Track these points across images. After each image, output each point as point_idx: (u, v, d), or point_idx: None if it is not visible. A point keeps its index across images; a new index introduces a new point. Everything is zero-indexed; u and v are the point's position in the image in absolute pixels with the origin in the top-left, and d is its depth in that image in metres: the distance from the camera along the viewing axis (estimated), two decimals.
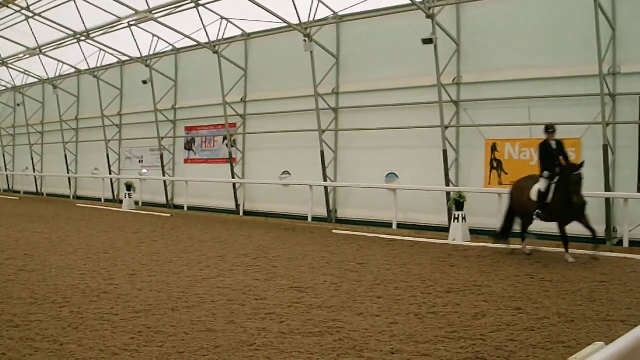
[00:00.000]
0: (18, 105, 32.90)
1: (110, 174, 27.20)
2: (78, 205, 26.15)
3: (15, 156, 35.70)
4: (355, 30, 17.92)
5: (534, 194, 10.85)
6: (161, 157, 24.14)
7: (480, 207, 14.50)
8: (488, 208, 14.34)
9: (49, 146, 32.36)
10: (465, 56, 15.60)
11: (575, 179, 10.18)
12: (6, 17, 22.90)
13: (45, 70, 28.36)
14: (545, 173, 10.71)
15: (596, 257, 10.55)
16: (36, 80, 30.70)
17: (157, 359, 5.13)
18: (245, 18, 19.15)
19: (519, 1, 14.77)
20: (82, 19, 20.73)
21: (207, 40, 20.36)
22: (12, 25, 23.63)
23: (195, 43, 21.20)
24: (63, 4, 20.48)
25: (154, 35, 22.00)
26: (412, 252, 12.01)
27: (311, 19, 17.36)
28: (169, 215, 21.35)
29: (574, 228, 10.76)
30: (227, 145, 21.62)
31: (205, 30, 19.73)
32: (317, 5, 17.14)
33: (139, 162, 26.27)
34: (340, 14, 17.87)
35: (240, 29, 20.54)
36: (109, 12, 20.48)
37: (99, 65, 26.00)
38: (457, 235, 13.81)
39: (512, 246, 11.66)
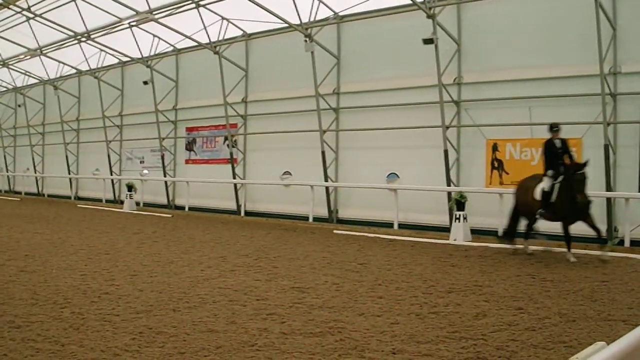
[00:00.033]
0: (19, 106, 32.91)
1: (111, 174, 27.22)
2: (79, 206, 26.17)
3: (16, 157, 35.73)
4: (356, 30, 17.92)
5: (538, 193, 10.79)
6: (162, 158, 24.15)
7: (481, 207, 14.49)
8: (489, 208, 14.34)
9: (49, 147, 32.39)
10: (466, 56, 15.60)
11: (579, 178, 10.11)
12: (7, 18, 22.93)
13: (46, 71, 28.40)
14: (550, 172, 10.66)
15: (604, 259, 10.25)
16: (37, 81, 30.73)
17: None
18: (245, 18, 19.16)
19: (520, 1, 14.76)
20: (82, 19, 20.75)
21: (207, 41, 20.37)
22: (13, 26, 23.66)
23: (195, 43, 21.21)
24: (64, 5, 20.49)
25: (154, 36, 22.02)
26: (413, 252, 12.00)
27: (312, 19, 17.37)
28: (170, 215, 21.36)
29: (578, 228, 10.70)
30: (228, 145, 21.62)
31: (206, 30, 19.75)
32: (318, 6, 17.15)
33: (140, 162, 26.29)
34: (340, 14, 17.87)
35: (241, 29, 20.56)
36: (110, 13, 20.49)
37: (99, 66, 26.04)
38: (458, 235, 13.80)
39: (517, 246, 11.61)
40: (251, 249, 12.23)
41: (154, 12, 19.69)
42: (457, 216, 13.97)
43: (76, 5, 19.98)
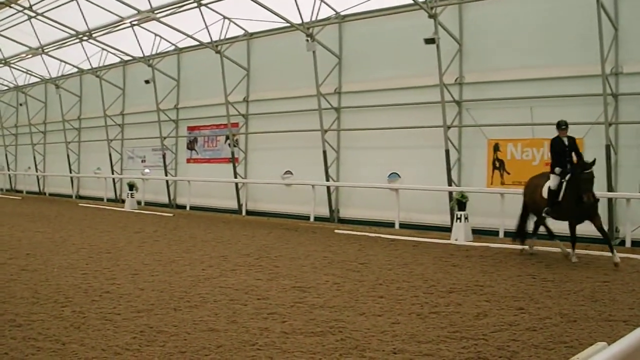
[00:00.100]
0: (20, 104, 32.94)
1: (113, 173, 27.22)
2: (80, 204, 26.19)
3: (17, 156, 35.76)
4: (358, 30, 17.91)
5: (545, 192, 10.70)
6: (163, 157, 24.15)
7: (482, 207, 14.48)
8: (490, 208, 14.33)
9: (51, 146, 32.41)
10: (468, 56, 15.58)
11: (586, 177, 9.97)
12: (9, 17, 22.92)
13: (48, 70, 28.39)
14: (557, 169, 10.55)
15: (615, 261, 9.86)
16: (39, 79, 30.74)
17: (159, 359, 5.14)
18: (247, 18, 19.16)
19: (521, 1, 14.74)
20: (84, 18, 20.75)
21: (209, 40, 20.36)
22: (14, 25, 23.66)
23: (197, 43, 21.20)
24: (65, 3, 20.48)
25: (156, 35, 22.02)
26: (414, 252, 12.00)
27: (313, 19, 17.35)
28: (171, 214, 21.37)
29: (579, 228, 10.65)
30: (229, 145, 21.62)
31: (208, 30, 19.75)
32: (320, 5, 17.13)
33: (142, 161, 26.29)
34: (342, 13, 17.86)
35: (243, 28, 20.55)
36: (112, 12, 20.49)
37: (101, 64, 26.04)
38: (460, 235, 13.80)
39: (524, 247, 11.55)
40: (252, 249, 12.24)
41: (155, 11, 19.68)
42: (459, 216, 13.97)
43: (78, 4, 19.98)
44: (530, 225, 11.52)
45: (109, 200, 27.01)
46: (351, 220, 17.60)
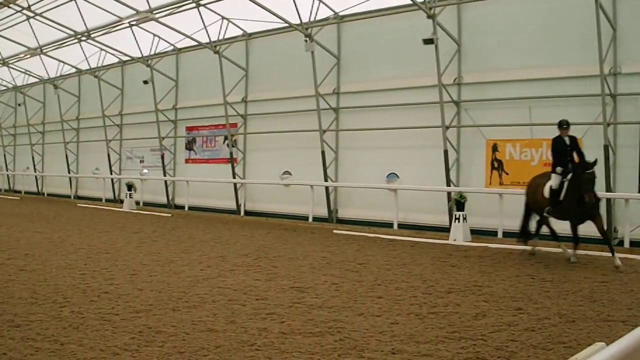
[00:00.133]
0: (19, 105, 32.90)
1: (111, 173, 27.21)
2: (79, 205, 26.16)
3: (16, 156, 35.70)
4: (356, 30, 17.92)
5: (546, 191, 10.66)
6: (162, 157, 24.14)
7: (481, 208, 14.49)
8: (489, 208, 14.35)
9: (49, 146, 32.38)
10: (466, 56, 15.59)
11: (587, 177, 9.93)
12: (7, 17, 22.91)
13: (46, 70, 28.38)
14: (558, 169, 10.50)
15: (617, 264, 9.79)
16: (37, 80, 30.71)
17: (158, 359, 5.14)
18: (246, 18, 19.15)
19: (520, 1, 14.76)
20: (83, 19, 20.73)
21: (208, 40, 20.36)
22: (13, 25, 23.64)
23: (196, 43, 21.20)
24: (64, 4, 20.47)
25: (154, 35, 22.01)
26: (412, 252, 12.00)
27: (312, 19, 17.36)
28: (169, 215, 21.36)
29: (583, 229, 10.64)
30: (227, 145, 21.62)
31: (206, 30, 19.74)
32: (318, 5, 17.14)
33: (140, 162, 26.28)
34: (341, 14, 17.86)
35: (241, 29, 20.55)
36: (110, 12, 20.48)
37: (99, 65, 26.02)
38: (458, 235, 13.80)
39: (526, 247, 11.53)
40: (251, 249, 12.23)
41: (154, 12, 19.68)
42: (457, 216, 13.97)
43: (76, 4, 19.96)
44: (532, 225, 11.49)
45: (107, 200, 27.00)
46: (350, 221, 17.61)
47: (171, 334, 5.83)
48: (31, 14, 21.77)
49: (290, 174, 19.62)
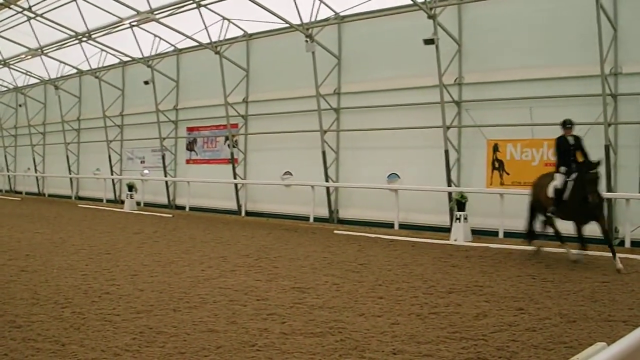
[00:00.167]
0: (20, 105, 32.91)
1: (112, 174, 27.21)
2: (80, 205, 26.18)
3: (17, 157, 35.72)
4: (357, 30, 17.92)
5: (551, 191, 10.60)
6: (163, 158, 24.15)
7: (481, 208, 14.49)
8: (490, 208, 14.34)
9: (50, 147, 32.40)
10: (467, 56, 15.59)
11: (591, 177, 9.84)
12: (8, 17, 22.93)
13: (47, 71, 28.39)
14: (562, 168, 10.44)
15: (618, 267, 9.65)
16: (38, 80, 30.74)
17: (159, 359, 5.14)
18: (246, 18, 19.15)
19: (521, 1, 14.75)
20: (83, 19, 20.74)
21: (208, 41, 20.37)
22: (14, 26, 23.66)
23: (196, 43, 21.21)
24: (65, 4, 20.49)
25: (155, 36, 22.02)
26: (413, 253, 12.00)
27: (313, 20, 17.36)
28: (170, 215, 21.37)
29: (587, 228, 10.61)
30: (228, 145, 21.62)
31: (207, 30, 19.75)
32: (319, 6, 17.14)
33: (141, 162, 26.29)
34: (341, 14, 17.86)
35: (242, 29, 20.55)
36: (111, 13, 20.49)
37: (100, 65, 26.03)
38: (459, 235, 13.80)
39: (531, 247, 11.49)
40: (252, 249, 12.23)
41: (154, 12, 19.69)
42: (458, 216, 13.97)
43: (77, 5, 19.98)
44: (538, 226, 11.41)
45: (108, 201, 27.00)
46: (350, 221, 17.60)
47: (172, 335, 5.83)
48: (32, 15, 21.79)
49: (291, 174, 19.62)
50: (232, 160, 21.33)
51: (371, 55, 17.50)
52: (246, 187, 20.85)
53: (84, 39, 23.27)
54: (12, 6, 21.32)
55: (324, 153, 18.10)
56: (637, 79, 13.05)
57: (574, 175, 10.27)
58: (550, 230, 11.27)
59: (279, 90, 19.85)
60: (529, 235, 11.48)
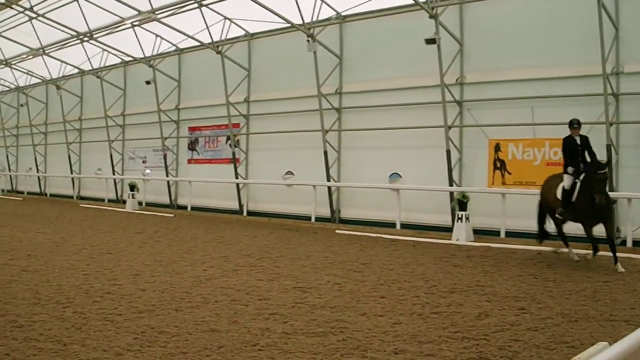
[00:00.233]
0: (21, 105, 32.97)
1: (114, 174, 27.24)
2: (81, 205, 26.20)
3: (18, 157, 35.79)
4: (358, 30, 17.91)
5: (559, 192, 10.47)
6: (164, 158, 24.17)
7: (483, 207, 14.48)
8: (491, 208, 14.33)
9: (52, 146, 32.42)
10: (469, 56, 15.58)
11: (599, 177, 9.69)
12: (9, 17, 22.97)
13: (49, 71, 28.42)
14: (570, 169, 10.32)
15: (620, 270, 9.55)
16: (39, 80, 30.77)
17: (161, 359, 5.14)
18: (248, 18, 19.16)
19: (522, 1, 14.73)
20: (85, 19, 20.77)
21: (210, 41, 20.37)
22: (15, 26, 23.70)
23: (198, 43, 21.22)
24: (66, 4, 20.51)
25: (157, 36, 22.04)
26: (415, 252, 12.00)
27: (314, 19, 17.35)
28: (172, 215, 21.38)
29: (575, 227, 10.60)
30: (230, 145, 21.62)
31: (209, 30, 19.75)
32: (320, 6, 17.13)
33: (142, 162, 26.31)
34: (343, 14, 17.86)
35: (244, 29, 20.55)
36: (112, 13, 20.50)
37: (102, 65, 26.06)
38: (461, 235, 13.79)
39: (540, 248, 11.44)
40: (253, 249, 12.24)
41: (156, 12, 19.69)
42: (459, 216, 13.97)
43: (79, 5, 20.01)
44: (549, 226, 11.30)
45: (110, 201, 27.02)
46: (352, 221, 17.60)
47: (174, 334, 5.83)
48: (34, 15, 21.82)
49: (292, 174, 19.62)
50: (234, 160, 21.33)
51: (373, 54, 17.49)
52: (248, 187, 20.86)
53: (86, 38, 23.30)
54: (13, 6, 21.35)
55: (325, 153, 18.10)
56: (639, 79, 13.03)
57: (582, 176, 10.11)
58: (566, 230, 11.10)
59: (281, 90, 19.85)
60: (540, 235, 11.41)
